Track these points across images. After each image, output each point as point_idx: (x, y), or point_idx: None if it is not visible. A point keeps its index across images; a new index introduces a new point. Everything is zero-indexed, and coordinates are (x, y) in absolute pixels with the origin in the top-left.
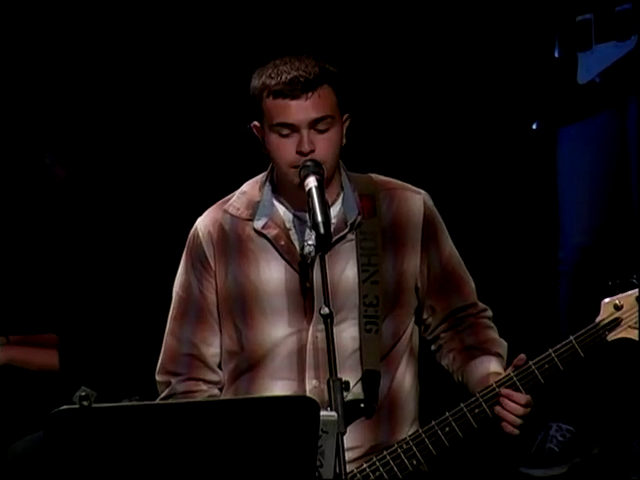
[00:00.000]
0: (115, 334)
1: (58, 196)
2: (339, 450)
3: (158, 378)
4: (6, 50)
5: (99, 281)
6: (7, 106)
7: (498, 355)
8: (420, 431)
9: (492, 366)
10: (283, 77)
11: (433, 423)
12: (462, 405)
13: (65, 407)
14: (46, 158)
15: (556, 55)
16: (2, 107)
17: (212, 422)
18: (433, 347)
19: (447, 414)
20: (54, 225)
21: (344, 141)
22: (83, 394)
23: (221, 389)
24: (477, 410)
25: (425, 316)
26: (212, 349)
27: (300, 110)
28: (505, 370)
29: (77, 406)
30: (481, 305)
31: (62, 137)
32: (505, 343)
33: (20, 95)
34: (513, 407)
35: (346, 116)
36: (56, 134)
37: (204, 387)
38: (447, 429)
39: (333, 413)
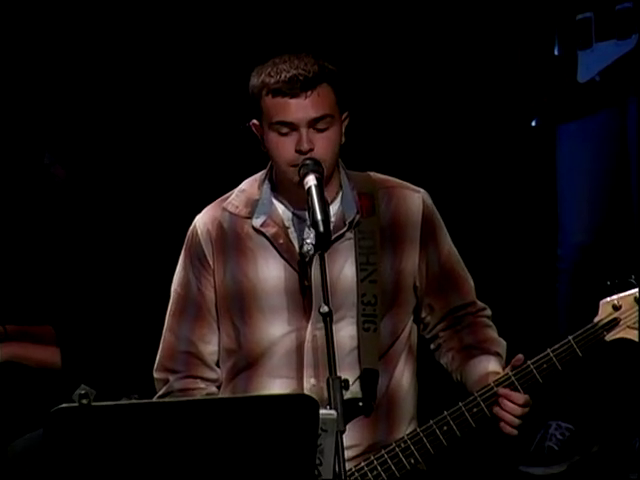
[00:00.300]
0: (113, 332)
1: (57, 195)
2: (338, 449)
3: (156, 375)
4: (5, 50)
5: (98, 279)
6: (6, 106)
7: (497, 354)
8: (418, 430)
9: (491, 365)
10: (282, 75)
11: (431, 422)
12: (460, 404)
13: (64, 405)
14: (45, 158)
15: (556, 53)
16: (1, 107)
17: (211, 420)
18: (432, 346)
19: (445, 413)
20: (53, 223)
21: (343, 140)
22: (82, 392)
23: (219, 387)
24: (475, 409)
25: (424, 315)
26: (210, 347)
27: (299, 109)
28: (504, 369)
29: (76, 404)
30: (480, 304)
31: (61, 137)
32: (504, 342)
33: (19, 95)
34: (511, 407)
35: (345, 115)
36: (55, 134)
37: (202, 385)
38: (445, 428)
39: (332, 412)
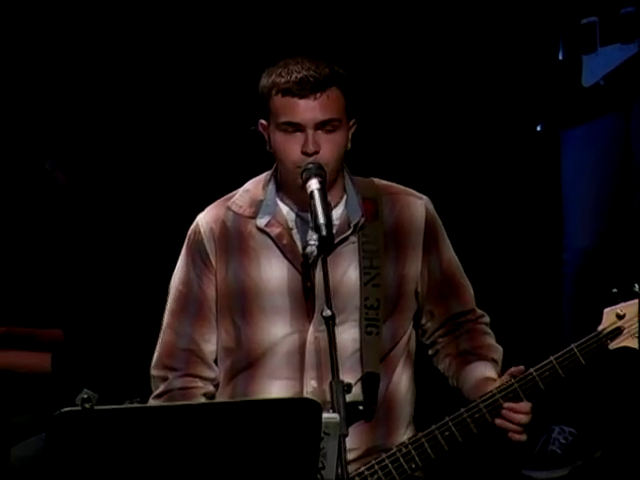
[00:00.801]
0: (116, 335)
1: (60, 199)
2: (341, 452)
3: (154, 372)
4: (7, 56)
5: (100, 281)
6: (8, 112)
7: (493, 360)
8: (420, 435)
9: (487, 371)
10: (293, 76)
11: (433, 427)
12: (462, 410)
13: (67, 409)
14: (47, 164)
15: (560, 58)
16: (3, 113)
17: (214, 424)
18: (430, 352)
19: (447, 418)
20: (56, 228)
21: (349, 145)
22: (85, 396)
23: (216, 386)
24: (477, 415)
25: (424, 321)
26: (210, 345)
27: (307, 110)
28: (499, 376)
29: (79, 408)
30: (479, 311)
31: (62, 143)
32: (501, 349)
33: (21, 101)
34: (519, 418)
35: (353, 121)
36: (56, 140)
37: (200, 384)
38: (447, 433)
39: (335, 415)
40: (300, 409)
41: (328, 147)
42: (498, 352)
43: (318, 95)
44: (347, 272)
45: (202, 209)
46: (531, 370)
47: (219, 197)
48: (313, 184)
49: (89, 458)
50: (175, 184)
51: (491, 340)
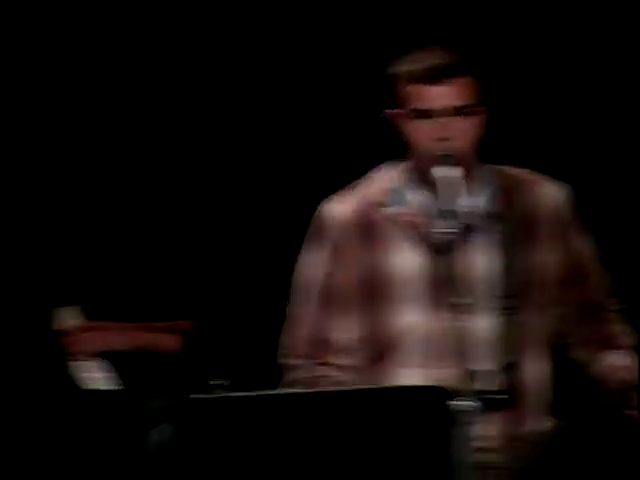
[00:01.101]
0: (245, 323)
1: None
2: (473, 441)
3: (287, 361)
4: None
5: (227, 268)
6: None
7: (627, 348)
8: (557, 425)
9: (620, 360)
10: (425, 63)
11: (564, 422)
12: (597, 401)
13: (198, 396)
14: None
15: None
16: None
17: (345, 411)
18: (564, 340)
19: (579, 413)
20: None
21: (483, 133)
22: (216, 383)
23: (350, 375)
24: (610, 407)
25: (558, 309)
26: (342, 334)
27: (440, 96)
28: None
29: (210, 395)
30: (614, 299)
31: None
32: (636, 336)
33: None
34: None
35: (484, 109)
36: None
37: (333, 372)
38: (582, 425)
39: (467, 403)
40: (431, 396)
41: (461, 134)
42: (632, 340)
43: (450, 82)
44: (482, 261)
45: (326, 196)
46: None
47: (344, 185)
48: (445, 172)
49: (219, 445)
50: (302, 172)
51: (626, 328)
